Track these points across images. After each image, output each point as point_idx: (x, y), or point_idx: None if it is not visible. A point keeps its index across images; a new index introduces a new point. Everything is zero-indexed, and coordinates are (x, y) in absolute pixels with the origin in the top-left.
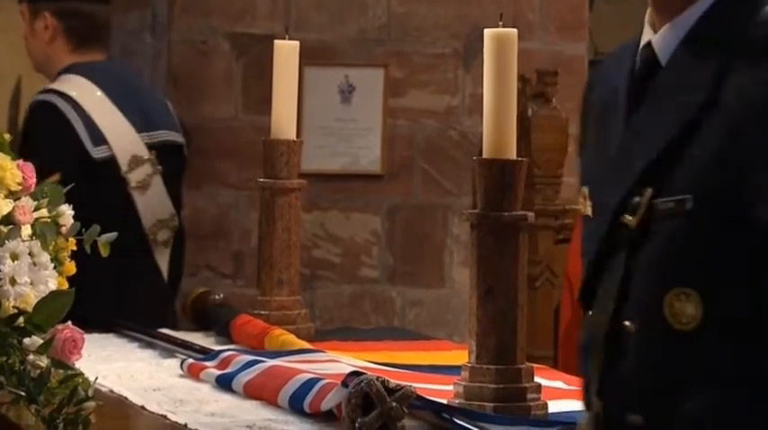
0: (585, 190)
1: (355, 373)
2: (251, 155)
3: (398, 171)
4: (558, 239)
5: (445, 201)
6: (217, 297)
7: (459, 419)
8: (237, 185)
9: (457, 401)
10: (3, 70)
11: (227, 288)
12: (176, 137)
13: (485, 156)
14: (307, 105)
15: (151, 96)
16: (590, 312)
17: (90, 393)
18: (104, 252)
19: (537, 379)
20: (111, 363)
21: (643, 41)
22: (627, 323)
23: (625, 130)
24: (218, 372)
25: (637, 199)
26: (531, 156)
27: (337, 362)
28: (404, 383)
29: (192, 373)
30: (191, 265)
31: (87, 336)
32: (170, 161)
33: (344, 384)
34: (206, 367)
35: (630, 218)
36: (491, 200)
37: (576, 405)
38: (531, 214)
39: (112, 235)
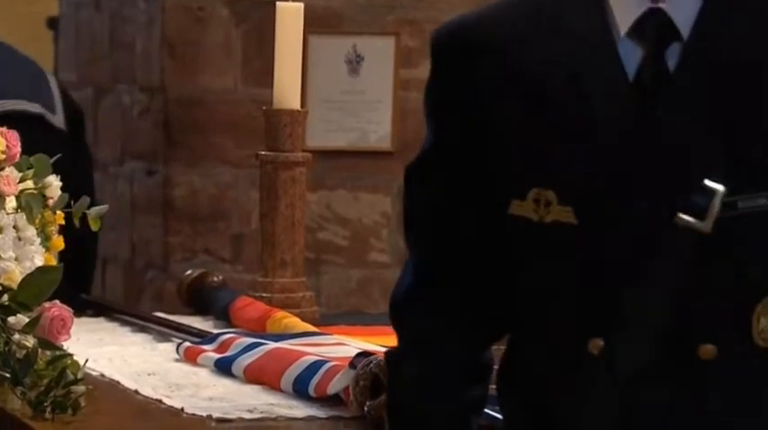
0: (549, 193)
1: (364, 354)
2: (251, 130)
3: (410, 147)
4: None
5: None
6: (215, 279)
7: None
8: (237, 163)
9: None
10: None
11: (226, 273)
12: (28, 106)
13: None
14: (311, 77)
15: (13, 65)
16: (596, 343)
17: (79, 376)
18: (95, 226)
19: None
20: (101, 347)
21: (620, 7)
22: (707, 346)
23: (652, 118)
24: (217, 356)
25: (701, 198)
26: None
27: (345, 345)
28: None
29: (189, 357)
30: (187, 250)
31: (76, 320)
32: (29, 135)
33: (352, 366)
34: (204, 351)
35: (695, 220)
36: None
37: None
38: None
39: (104, 207)
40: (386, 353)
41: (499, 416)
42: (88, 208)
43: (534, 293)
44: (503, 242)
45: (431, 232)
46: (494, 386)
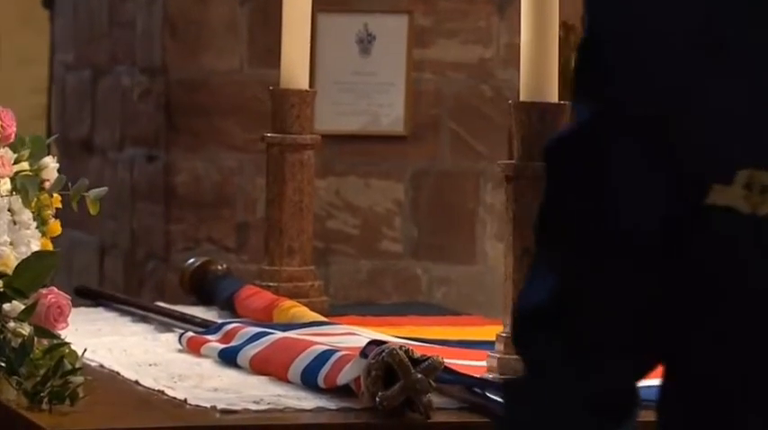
0: (757, 174)
1: (376, 343)
2: (257, 113)
3: (424, 132)
4: None
5: (477, 165)
6: (219, 268)
7: (494, 395)
8: (242, 148)
9: (491, 376)
10: None
11: (230, 263)
12: None
13: (522, 99)
14: (320, 57)
15: None
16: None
17: (77, 365)
18: (93, 210)
19: None
20: (100, 337)
21: None
22: None
23: None
24: (222, 346)
25: None
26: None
27: (355, 335)
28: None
29: (192, 348)
30: (189, 239)
31: (73, 310)
32: None
33: (363, 355)
34: (208, 341)
35: None
36: (529, 149)
37: None
38: None
39: (103, 189)
40: (505, 383)
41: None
42: (87, 190)
43: (739, 322)
44: (691, 247)
45: (586, 232)
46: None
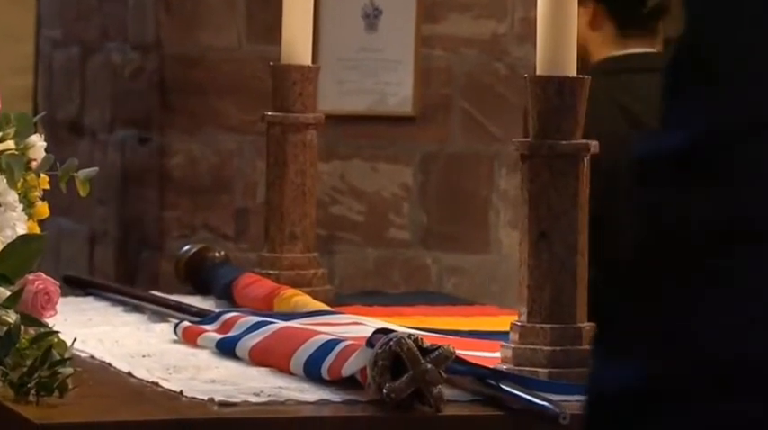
0: None
1: (383, 331)
2: (257, 92)
3: (434, 112)
4: None
5: (490, 148)
6: (216, 255)
7: (508, 387)
8: (241, 129)
9: (505, 366)
10: None
11: (228, 252)
12: None
13: (538, 73)
14: (323, 33)
15: None
16: None
17: (67, 356)
18: (83, 191)
19: None
20: (91, 328)
21: None
22: None
23: None
24: (219, 336)
25: None
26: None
27: (361, 325)
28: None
29: (188, 338)
30: (185, 226)
31: (61, 300)
32: None
33: (370, 344)
34: (204, 331)
35: None
36: (546, 125)
37: None
38: (594, 143)
39: (93, 170)
40: None
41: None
42: (76, 171)
43: None
44: None
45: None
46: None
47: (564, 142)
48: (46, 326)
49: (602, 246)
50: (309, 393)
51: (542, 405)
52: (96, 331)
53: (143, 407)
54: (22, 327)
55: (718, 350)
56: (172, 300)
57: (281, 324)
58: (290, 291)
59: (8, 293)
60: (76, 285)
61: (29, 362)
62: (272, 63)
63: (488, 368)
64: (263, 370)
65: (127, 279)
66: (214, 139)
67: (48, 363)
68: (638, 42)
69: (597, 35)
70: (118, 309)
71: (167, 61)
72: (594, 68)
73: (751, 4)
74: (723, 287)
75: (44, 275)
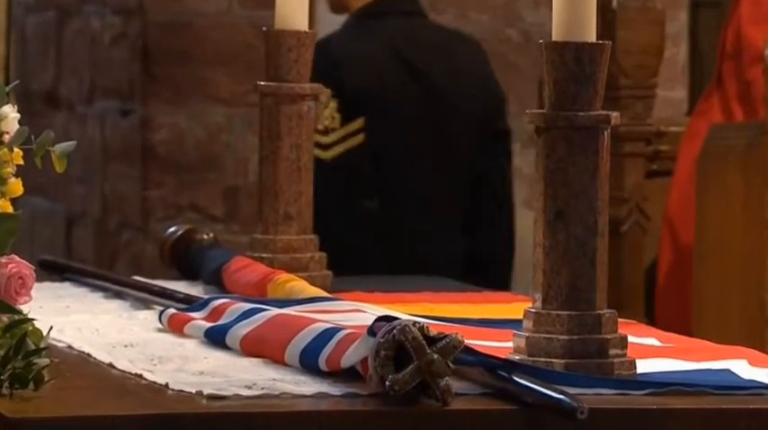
0: None
1: (385, 319)
2: (249, 61)
3: None
4: (650, 171)
5: None
6: (205, 236)
7: (521, 379)
8: (231, 101)
9: (518, 357)
10: None
11: (217, 234)
12: None
13: (555, 38)
14: None
15: None
16: None
17: (42, 345)
18: (60, 167)
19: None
20: (68, 315)
21: None
22: None
23: None
24: (208, 325)
25: None
26: (615, 61)
27: (362, 312)
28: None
29: (174, 327)
30: (170, 206)
31: (36, 285)
32: None
33: (371, 333)
34: (192, 319)
35: None
36: (563, 95)
37: (672, 364)
38: (615, 114)
39: (71, 144)
40: None
41: None
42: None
43: None
44: None
45: None
46: None
47: (582, 114)
48: (20, 313)
49: None
50: (306, 386)
51: (558, 398)
52: (74, 319)
53: (125, 402)
54: None
55: None
56: (156, 286)
57: (274, 311)
58: (284, 276)
59: None
60: (53, 269)
61: (1, 353)
62: (264, 28)
63: (500, 359)
64: (255, 361)
65: (107, 262)
66: (202, 112)
67: (22, 353)
68: None
69: None
70: (98, 296)
71: (151, 27)
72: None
73: None
74: None
75: (18, 258)
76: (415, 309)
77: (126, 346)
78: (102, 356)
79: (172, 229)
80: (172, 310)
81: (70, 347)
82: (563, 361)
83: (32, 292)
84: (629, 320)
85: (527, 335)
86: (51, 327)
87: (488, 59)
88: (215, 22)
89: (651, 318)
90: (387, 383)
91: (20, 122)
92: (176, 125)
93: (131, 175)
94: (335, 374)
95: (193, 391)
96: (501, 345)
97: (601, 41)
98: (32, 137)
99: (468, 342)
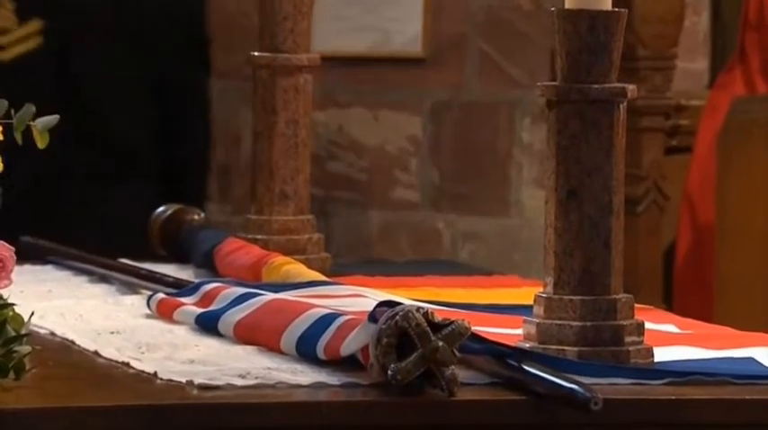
0: None
1: (387, 304)
2: (242, 31)
3: (446, 53)
4: (669, 147)
5: (511, 95)
6: (195, 217)
7: (531, 367)
8: (223, 73)
9: (528, 344)
10: None
11: (209, 214)
12: None
13: (567, 6)
14: None
15: None
16: None
17: (23, 332)
18: (41, 142)
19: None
20: (51, 300)
21: None
22: None
23: None
24: (199, 310)
25: None
26: (632, 30)
27: (363, 297)
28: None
29: (163, 312)
30: None
31: (17, 268)
32: None
33: (372, 319)
34: (182, 304)
35: None
36: (576, 67)
37: (691, 352)
38: (631, 87)
39: (53, 118)
40: None
41: None
42: (33, 118)
43: None
44: None
45: None
46: None
47: (597, 86)
48: (0, 298)
49: None
50: (304, 375)
51: (570, 388)
52: (57, 304)
53: (111, 392)
54: None
55: None
56: (144, 269)
57: (270, 296)
58: (280, 258)
59: None
60: (34, 251)
61: None
62: None
63: (509, 346)
64: (249, 348)
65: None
66: None
67: (2, 341)
68: None
69: None
70: (82, 280)
71: None
72: None
73: None
74: None
75: None
76: (419, 294)
77: (112, 333)
78: (87, 344)
79: (160, 210)
80: (161, 295)
81: (53, 334)
82: (576, 349)
83: (13, 276)
84: (645, 305)
85: (538, 321)
86: (33, 313)
87: None
88: None
89: (669, 302)
90: (389, 372)
91: None
92: None
93: None
94: (334, 363)
95: (183, 381)
96: (510, 332)
97: (616, 9)
98: (12, 110)
99: (475, 328)
